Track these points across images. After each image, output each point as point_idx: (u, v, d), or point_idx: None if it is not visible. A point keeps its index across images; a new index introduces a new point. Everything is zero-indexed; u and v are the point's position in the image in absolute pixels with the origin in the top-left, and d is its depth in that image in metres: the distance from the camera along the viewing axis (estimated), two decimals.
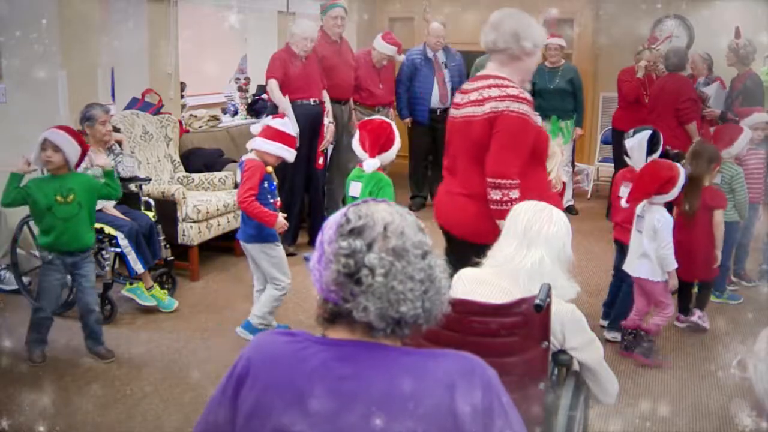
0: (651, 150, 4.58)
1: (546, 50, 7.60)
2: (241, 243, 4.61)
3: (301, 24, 6.39)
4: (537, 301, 2.33)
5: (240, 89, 8.32)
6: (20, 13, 5.58)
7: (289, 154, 4.42)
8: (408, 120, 7.86)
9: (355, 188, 4.35)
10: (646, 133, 4.61)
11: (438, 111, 7.66)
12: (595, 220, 7.51)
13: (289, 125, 4.49)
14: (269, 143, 4.35)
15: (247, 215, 4.41)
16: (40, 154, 4.14)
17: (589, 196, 8.77)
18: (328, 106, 6.51)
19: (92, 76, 5.96)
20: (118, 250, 4.86)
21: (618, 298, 4.72)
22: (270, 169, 4.42)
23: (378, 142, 4.29)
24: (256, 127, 4.50)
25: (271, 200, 4.43)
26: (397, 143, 4.39)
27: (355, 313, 1.42)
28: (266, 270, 4.51)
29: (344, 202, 5.17)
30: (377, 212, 1.46)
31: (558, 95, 7.59)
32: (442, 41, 7.70)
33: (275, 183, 4.52)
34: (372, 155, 4.27)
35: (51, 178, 4.22)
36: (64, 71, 5.59)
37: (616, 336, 4.56)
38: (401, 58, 7.44)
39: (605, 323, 4.81)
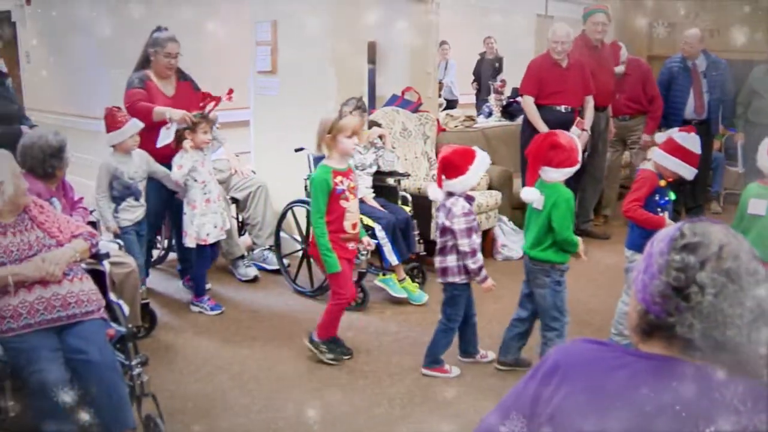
0: None
1: None
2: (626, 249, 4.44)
3: (555, 26, 6.29)
4: None
5: (495, 91, 8.34)
6: (294, 9, 5.92)
7: (688, 172, 4.13)
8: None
9: (757, 205, 4.11)
10: None
11: (693, 122, 7.22)
12: None
13: (696, 141, 4.18)
14: (668, 157, 4.12)
15: (633, 222, 4.25)
16: None
17: None
18: (587, 114, 6.32)
19: (360, 72, 6.18)
20: (375, 241, 5.00)
21: None
22: (663, 182, 4.19)
23: None
24: (661, 136, 4.36)
25: (661, 214, 4.19)
26: None
27: (679, 328, 1.37)
28: None
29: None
30: (713, 232, 1.41)
31: None
32: (690, 48, 7.19)
33: (669, 198, 4.27)
34: None
35: None
36: (333, 67, 5.85)
37: None
38: (621, 69, 7.08)
39: None
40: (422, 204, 5.55)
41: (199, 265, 5.07)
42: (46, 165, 3.90)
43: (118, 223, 4.66)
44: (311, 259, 5.42)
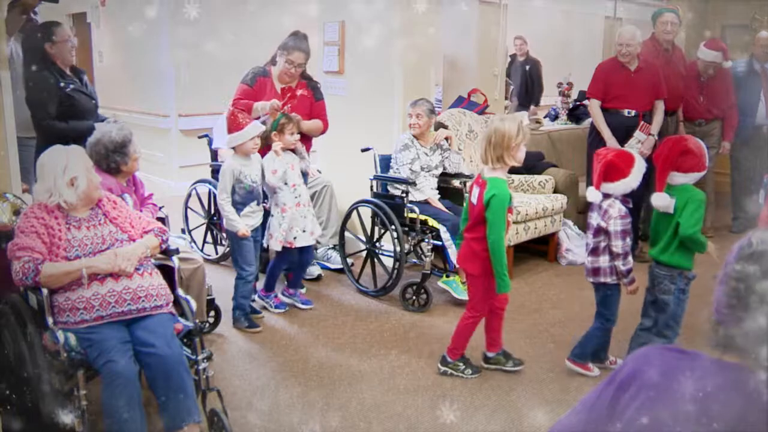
0: None
1: None
2: None
3: (623, 29, 6.18)
4: None
5: (562, 94, 8.25)
6: (362, 10, 5.93)
7: None
8: None
9: None
10: None
11: (765, 128, 7.01)
12: None
13: None
14: None
15: None
16: None
17: None
18: (656, 118, 6.17)
19: (425, 72, 6.16)
20: (439, 243, 5.00)
21: None
22: None
23: None
24: None
25: None
26: None
27: (739, 339, 1.33)
28: None
29: None
30: None
31: None
32: (761, 51, 7.00)
33: None
34: None
35: None
36: (400, 67, 5.84)
37: None
38: (728, 64, 6.89)
39: None
40: None
41: (277, 263, 5.01)
42: (109, 160, 3.94)
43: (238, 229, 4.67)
44: (375, 259, 5.45)
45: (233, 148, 4.70)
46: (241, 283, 4.75)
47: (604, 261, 3.97)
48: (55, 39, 4.85)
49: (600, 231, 3.94)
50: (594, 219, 3.97)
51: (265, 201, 4.92)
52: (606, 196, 3.92)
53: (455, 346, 4.15)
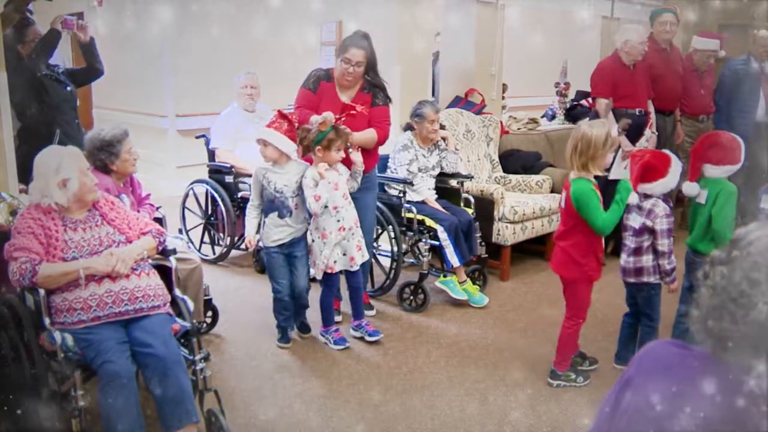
0: None
1: None
2: None
3: (632, 29, 6.16)
4: None
5: (559, 94, 8.24)
6: (359, 10, 5.93)
7: None
8: None
9: None
10: None
11: (765, 126, 7.02)
12: None
13: None
14: None
15: None
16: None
17: None
18: (652, 116, 6.22)
19: (424, 72, 6.16)
20: (437, 243, 5.00)
21: None
22: None
23: None
24: None
25: None
26: None
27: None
28: None
29: None
30: (759, 230, 1.35)
31: None
32: (761, 50, 7.01)
33: None
34: None
35: None
36: (398, 66, 5.84)
37: None
38: (723, 53, 6.92)
39: None
40: (484, 206, 5.52)
41: (325, 293, 4.53)
42: (95, 158, 3.94)
43: (261, 241, 4.41)
44: (372, 259, 5.43)
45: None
46: (273, 298, 4.50)
47: (647, 260, 4.01)
48: (25, 39, 4.97)
49: (643, 230, 3.98)
50: (633, 220, 4.01)
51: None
52: (646, 196, 3.99)
53: (562, 358, 4.09)
